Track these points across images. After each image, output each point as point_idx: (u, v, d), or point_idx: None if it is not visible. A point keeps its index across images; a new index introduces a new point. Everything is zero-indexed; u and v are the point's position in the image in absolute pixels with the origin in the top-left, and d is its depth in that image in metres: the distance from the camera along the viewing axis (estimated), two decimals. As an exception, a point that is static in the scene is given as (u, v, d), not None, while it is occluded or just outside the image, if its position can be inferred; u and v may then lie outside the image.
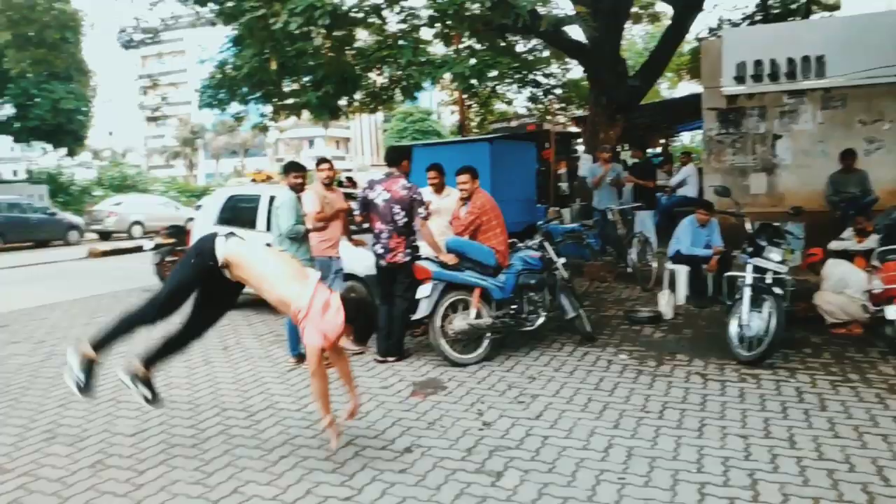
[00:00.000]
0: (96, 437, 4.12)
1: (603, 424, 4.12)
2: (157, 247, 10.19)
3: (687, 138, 27.59)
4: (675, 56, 14.13)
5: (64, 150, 27.39)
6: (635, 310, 7.22)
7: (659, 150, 18.07)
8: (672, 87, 29.97)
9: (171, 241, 10.14)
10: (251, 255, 3.60)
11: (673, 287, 7.49)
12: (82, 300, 9.45)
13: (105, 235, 22.18)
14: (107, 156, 56.57)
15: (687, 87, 26.21)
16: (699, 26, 28.33)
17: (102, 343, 3.55)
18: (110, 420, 4.42)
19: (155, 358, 3.74)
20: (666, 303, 7.03)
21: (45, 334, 7.18)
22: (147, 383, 3.70)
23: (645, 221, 9.22)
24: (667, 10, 14.78)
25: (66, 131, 25.22)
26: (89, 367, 3.53)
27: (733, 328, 5.41)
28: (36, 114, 23.63)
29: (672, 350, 5.80)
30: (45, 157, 31.09)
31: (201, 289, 3.66)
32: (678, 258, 7.58)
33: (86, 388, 3.52)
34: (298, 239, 5.56)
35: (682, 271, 7.56)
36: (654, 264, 8.69)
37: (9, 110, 24.22)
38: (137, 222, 22.62)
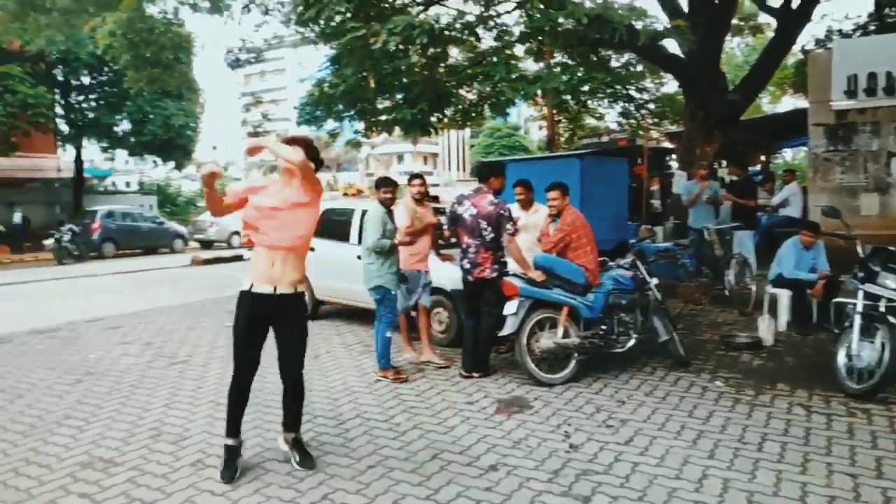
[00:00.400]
0: (197, 437, 4.33)
1: (697, 453, 3.95)
2: (255, 256, 10.66)
3: (788, 155, 26.28)
4: (777, 69, 13.49)
5: (172, 164, 29.22)
6: (732, 334, 6.91)
7: (759, 167, 17.28)
8: (774, 102, 28.64)
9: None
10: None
11: (774, 312, 7.11)
12: (186, 305, 10.02)
13: (207, 244, 23.50)
14: (210, 169, 59.91)
15: (790, 102, 24.99)
16: (805, 37, 26.88)
17: (231, 427, 3.76)
18: (210, 422, 4.64)
19: (290, 421, 3.91)
20: (766, 328, 6.69)
21: (152, 336, 7.65)
22: (297, 446, 3.89)
23: (744, 242, 8.80)
24: (770, 22, 14.18)
25: (175, 146, 26.90)
26: (232, 454, 3.74)
27: (841, 358, 5.08)
28: (149, 129, 25.36)
29: (772, 379, 5.49)
30: (156, 169, 33.27)
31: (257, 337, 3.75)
32: (780, 282, 7.20)
33: (226, 470, 3.70)
34: (385, 252, 5.68)
35: (784, 295, 7.17)
36: (754, 287, 8.28)
37: (126, 126, 26.12)
38: (236, 232, 23.79)
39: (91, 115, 25.41)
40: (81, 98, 25.81)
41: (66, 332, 7.94)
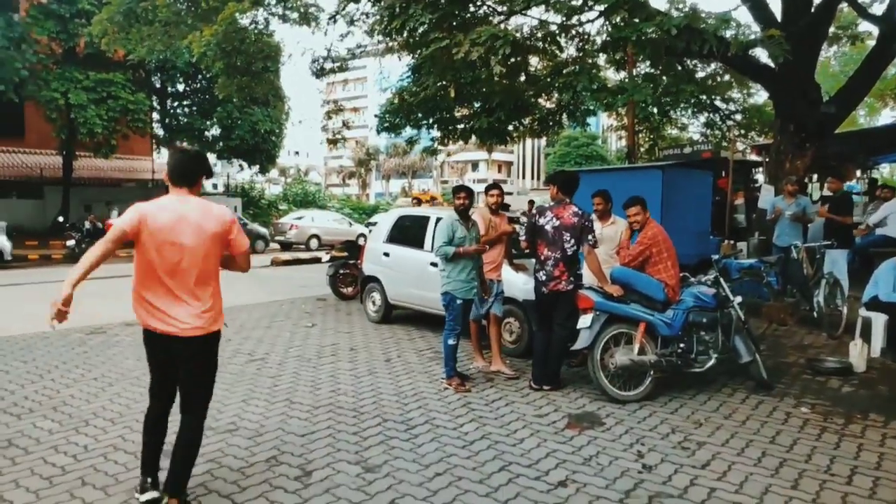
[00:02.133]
0: (272, 434, 4.46)
1: (779, 483, 3.75)
2: (331, 259, 10.93)
3: (886, 170, 24.79)
4: (878, 80, 12.72)
5: (257, 167, 30.45)
6: (820, 359, 6.54)
7: (855, 182, 16.34)
8: (872, 115, 27.06)
9: (344, 254, 10.84)
10: None
11: (867, 337, 6.69)
12: (265, 304, 10.36)
13: (286, 246, 24.23)
14: (292, 173, 62.06)
15: (889, 115, 23.55)
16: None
17: None
18: (284, 419, 4.77)
19: None
20: (858, 353, 6.30)
21: (233, 333, 7.94)
22: None
23: (836, 261, 8.31)
24: (872, 30, 13.40)
25: (260, 150, 28.07)
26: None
27: (944, 390, 4.73)
28: (237, 134, 26.57)
29: (864, 408, 5.16)
30: (241, 173, 34.69)
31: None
32: (875, 305, 6.77)
33: None
34: (453, 259, 5.66)
35: (879, 320, 6.74)
36: (845, 309, 7.83)
37: (215, 131, 27.44)
38: (315, 236, 24.52)
39: (184, 120, 26.87)
40: (176, 104, 27.34)
41: (154, 326, 8.33)
